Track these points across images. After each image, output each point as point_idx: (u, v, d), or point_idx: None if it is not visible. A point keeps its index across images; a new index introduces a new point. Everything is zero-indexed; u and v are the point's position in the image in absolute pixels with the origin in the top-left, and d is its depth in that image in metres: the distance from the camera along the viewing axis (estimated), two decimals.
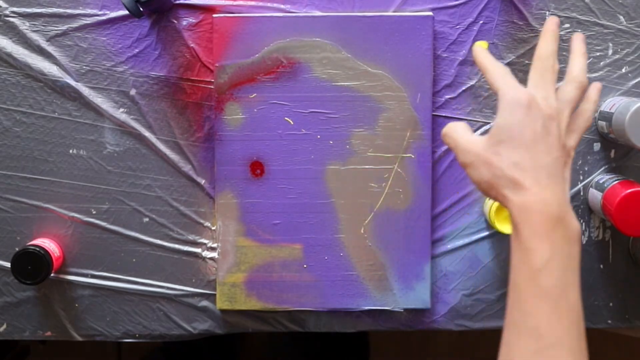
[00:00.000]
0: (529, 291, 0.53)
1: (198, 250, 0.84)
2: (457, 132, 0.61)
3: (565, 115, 0.59)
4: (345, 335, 0.90)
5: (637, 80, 0.82)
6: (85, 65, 0.82)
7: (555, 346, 0.52)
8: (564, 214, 0.55)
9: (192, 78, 0.82)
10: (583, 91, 0.61)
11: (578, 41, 0.65)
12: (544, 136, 0.56)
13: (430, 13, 0.81)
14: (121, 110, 0.83)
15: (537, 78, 0.60)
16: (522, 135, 0.56)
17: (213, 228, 0.84)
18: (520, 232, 0.54)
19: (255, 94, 0.81)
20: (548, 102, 0.58)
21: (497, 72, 0.60)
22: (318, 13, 0.81)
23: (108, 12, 0.82)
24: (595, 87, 0.64)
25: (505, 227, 0.80)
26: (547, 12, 0.82)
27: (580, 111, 0.62)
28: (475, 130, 0.83)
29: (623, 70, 0.82)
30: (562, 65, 0.83)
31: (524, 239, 0.54)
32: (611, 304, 0.85)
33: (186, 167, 0.83)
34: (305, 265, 0.83)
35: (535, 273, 0.53)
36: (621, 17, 0.82)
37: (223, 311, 0.85)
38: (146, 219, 0.84)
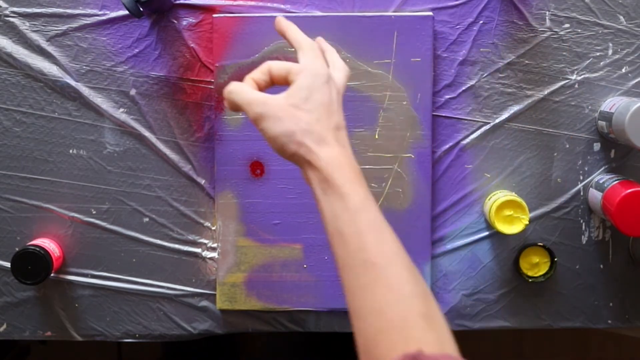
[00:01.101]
0: (353, 231, 0.57)
1: (198, 250, 0.84)
2: (245, 90, 0.61)
3: None
4: (342, 334, 0.90)
5: (637, 80, 0.82)
6: (85, 65, 0.82)
7: (389, 266, 0.56)
8: (360, 170, 0.60)
9: (192, 78, 0.82)
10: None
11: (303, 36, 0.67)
12: (337, 105, 0.61)
13: (430, 13, 0.81)
14: (121, 110, 0.83)
15: (317, 56, 0.63)
16: (322, 99, 0.60)
17: (213, 228, 0.84)
18: (334, 181, 0.58)
19: None
20: (339, 76, 0.64)
21: (305, 42, 0.64)
22: (318, 13, 0.81)
23: (108, 12, 0.82)
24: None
25: (505, 227, 0.80)
26: (547, 12, 0.82)
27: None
28: (475, 131, 0.83)
29: (623, 70, 0.82)
30: (562, 64, 0.83)
31: (338, 186, 0.58)
32: (611, 304, 0.85)
33: (186, 167, 0.83)
34: (305, 265, 0.83)
35: (356, 212, 0.57)
36: (621, 17, 0.82)
37: (223, 311, 0.85)
38: (146, 219, 0.84)
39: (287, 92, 0.60)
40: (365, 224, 0.57)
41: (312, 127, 0.59)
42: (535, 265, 0.83)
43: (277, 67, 0.62)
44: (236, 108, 0.62)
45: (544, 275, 0.83)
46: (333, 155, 0.59)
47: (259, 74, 0.63)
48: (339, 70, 0.66)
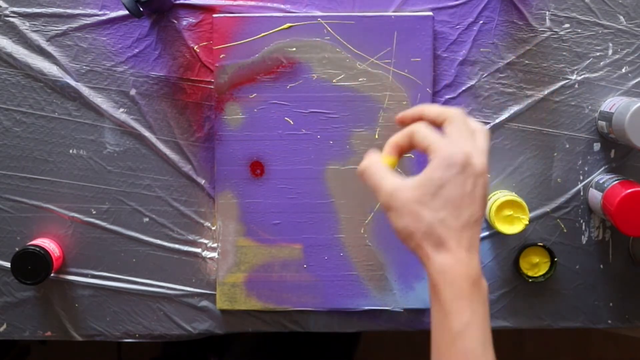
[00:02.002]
0: (450, 354, 0.53)
1: (198, 250, 0.84)
2: (378, 173, 0.58)
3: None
4: (342, 334, 0.90)
5: (637, 80, 0.82)
6: (85, 65, 0.82)
7: None
8: (479, 275, 0.55)
9: (192, 78, 0.82)
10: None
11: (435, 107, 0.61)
12: (472, 196, 0.55)
13: (430, 13, 0.81)
14: (121, 110, 0.83)
15: (462, 135, 0.57)
16: (453, 193, 0.55)
17: (213, 228, 0.84)
18: (441, 294, 0.54)
19: (255, 94, 0.81)
20: (481, 160, 0.56)
21: (423, 131, 0.58)
22: (318, 13, 0.81)
23: (108, 12, 0.82)
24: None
25: (505, 227, 0.80)
26: (547, 12, 0.82)
27: None
28: None
29: (623, 70, 0.82)
30: (562, 64, 0.83)
31: (444, 301, 0.54)
32: (611, 304, 0.85)
33: (186, 167, 0.83)
34: (305, 265, 0.83)
35: (456, 336, 0.53)
36: (621, 17, 0.82)
37: (223, 311, 0.85)
38: (146, 219, 0.84)
39: (418, 181, 0.56)
40: (461, 353, 0.53)
41: (434, 229, 0.54)
42: (535, 265, 0.83)
43: (419, 137, 0.57)
44: (367, 184, 0.59)
45: (544, 275, 0.83)
46: (448, 265, 0.54)
47: (401, 137, 0.59)
48: (479, 138, 0.58)
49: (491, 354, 0.54)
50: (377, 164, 0.59)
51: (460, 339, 0.53)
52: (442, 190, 0.54)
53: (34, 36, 0.82)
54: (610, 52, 0.82)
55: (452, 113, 0.58)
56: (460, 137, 0.56)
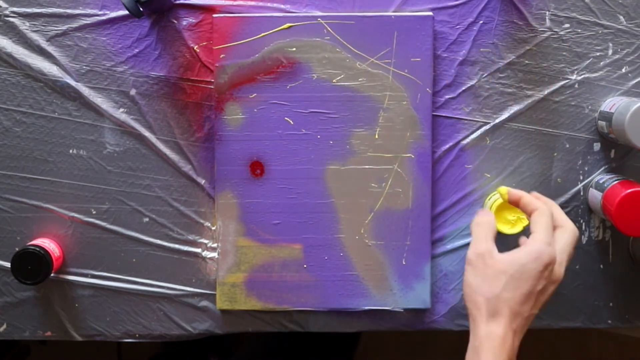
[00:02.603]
0: None
1: (198, 250, 0.84)
2: (485, 232, 0.67)
3: (564, 263, 0.68)
4: (342, 334, 0.90)
5: (637, 80, 0.82)
6: (85, 65, 0.82)
7: None
8: (515, 353, 0.64)
9: (192, 78, 0.82)
10: (576, 237, 0.70)
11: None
12: (539, 295, 0.64)
13: (430, 13, 0.81)
14: (121, 110, 0.83)
15: (563, 245, 0.67)
16: (526, 284, 0.63)
17: (213, 228, 0.84)
18: (481, 356, 0.63)
19: (255, 94, 0.81)
20: (560, 270, 0.66)
21: (543, 219, 0.67)
22: (318, 13, 0.81)
23: (108, 12, 0.82)
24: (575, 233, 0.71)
25: (505, 227, 0.80)
26: (547, 12, 0.82)
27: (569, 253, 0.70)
28: (475, 131, 0.83)
29: (623, 70, 0.82)
30: (562, 64, 0.83)
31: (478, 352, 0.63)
32: (611, 304, 0.85)
33: (186, 167, 0.83)
34: (305, 265, 0.83)
35: None
36: (621, 17, 0.82)
37: (223, 311, 0.85)
38: (146, 219, 0.84)
39: (507, 257, 0.65)
40: None
41: (497, 301, 0.63)
42: None
43: (524, 205, 0.70)
44: (472, 234, 0.69)
45: None
46: (497, 333, 0.62)
47: (524, 202, 0.71)
48: (566, 238, 0.68)
49: None
50: (490, 225, 0.68)
51: None
52: (520, 277, 0.63)
53: (34, 36, 0.82)
54: (610, 52, 0.82)
55: (541, 209, 0.68)
56: (548, 236, 0.66)
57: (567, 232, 0.68)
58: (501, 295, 0.63)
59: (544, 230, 0.66)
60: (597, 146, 0.83)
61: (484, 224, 0.68)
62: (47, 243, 0.82)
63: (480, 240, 0.67)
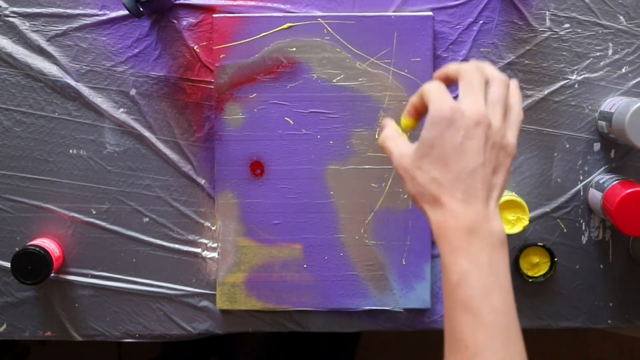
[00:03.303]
0: (451, 306, 0.54)
1: (198, 250, 0.84)
2: (391, 142, 0.60)
3: (498, 114, 0.57)
4: (342, 334, 0.90)
5: (637, 80, 0.82)
6: (85, 65, 0.82)
7: (478, 354, 0.52)
8: (479, 224, 0.54)
9: (192, 78, 0.82)
10: (507, 87, 0.59)
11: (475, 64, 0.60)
12: (464, 146, 0.55)
13: (430, 13, 0.81)
14: (121, 110, 0.83)
15: (465, 87, 0.57)
16: (443, 149, 0.55)
17: (213, 228, 0.84)
18: (440, 250, 0.55)
19: (255, 94, 0.81)
20: (475, 107, 0.55)
21: (428, 87, 0.58)
22: (318, 13, 0.81)
23: (108, 12, 0.82)
24: (514, 82, 0.61)
25: (505, 227, 0.80)
26: (547, 12, 0.82)
27: (509, 106, 0.59)
28: None
29: (623, 70, 0.82)
30: (562, 64, 0.83)
31: (442, 256, 0.55)
32: (611, 304, 0.85)
33: (186, 167, 0.83)
34: (305, 265, 0.83)
35: (454, 288, 0.53)
36: (621, 17, 0.82)
37: (223, 311, 0.85)
38: (146, 219, 0.84)
39: (416, 144, 0.57)
40: (462, 301, 0.53)
41: (427, 189, 0.55)
42: (535, 265, 0.83)
43: (424, 95, 0.58)
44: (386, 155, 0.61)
45: (544, 275, 0.83)
46: (441, 220, 0.55)
47: (415, 97, 0.60)
48: (492, 82, 0.57)
49: (500, 300, 0.53)
50: (391, 133, 0.60)
51: (459, 289, 0.53)
52: (432, 150, 0.55)
53: (34, 36, 0.82)
54: (610, 52, 0.82)
55: (463, 68, 0.58)
56: (462, 91, 0.56)
57: (461, 76, 0.58)
58: (427, 180, 0.56)
59: (431, 98, 0.57)
60: (597, 146, 0.83)
61: (386, 135, 0.61)
62: (47, 243, 0.82)
63: (392, 151, 0.59)
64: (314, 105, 0.81)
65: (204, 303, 0.85)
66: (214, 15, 0.81)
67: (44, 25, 0.82)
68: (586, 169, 0.83)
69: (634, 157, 0.83)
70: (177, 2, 0.81)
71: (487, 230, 0.55)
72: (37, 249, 0.79)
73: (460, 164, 0.55)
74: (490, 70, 0.58)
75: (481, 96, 0.57)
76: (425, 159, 0.56)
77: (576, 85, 0.82)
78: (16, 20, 0.82)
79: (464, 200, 0.54)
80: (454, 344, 0.54)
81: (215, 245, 0.84)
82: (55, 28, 0.82)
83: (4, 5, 0.82)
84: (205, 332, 0.86)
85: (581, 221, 0.84)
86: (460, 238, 0.54)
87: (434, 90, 0.57)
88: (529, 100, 0.82)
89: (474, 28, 0.82)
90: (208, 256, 0.84)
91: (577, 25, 0.82)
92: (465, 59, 0.82)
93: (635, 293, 0.85)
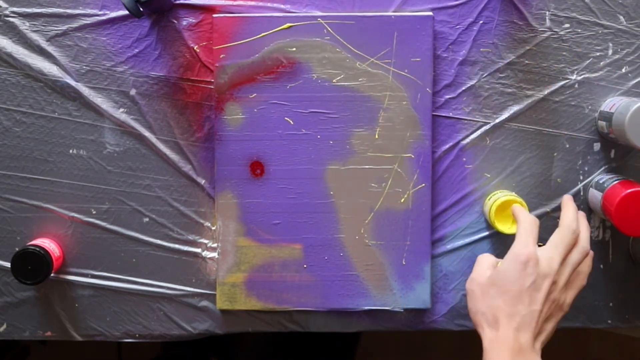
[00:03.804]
0: None
1: (198, 250, 0.84)
2: (479, 265, 0.72)
3: (565, 276, 0.70)
4: (342, 334, 0.90)
5: (637, 80, 0.82)
6: (85, 65, 0.82)
7: None
8: (526, 349, 0.66)
9: (192, 78, 0.82)
10: (585, 255, 0.72)
11: (576, 212, 0.75)
12: (530, 291, 0.67)
13: (430, 13, 0.81)
14: (121, 110, 0.83)
15: (555, 240, 0.70)
16: (512, 286, 0.67)
17: (213, 228, 0.84)
18: (487, 357, 0.67)
19: (255, 94, 0.81)
20: (550, 263, 0.68)
21: (522, 226, 0.72)
22: (318, 13, 0.81)
23: (108, 12, 0.82)
24: (590, 256, 0.74)
25: (505, 227, 0.80)
26: (547, 12, 0.82)
27: (578, 272, 0.72)
28: (475, 131, 0.83)
29: (623, 70, 0.82)
30: (562, 64, 0.83)
31: None
32: (611, 304, 0.85)
33: (186, 167, 0.83)
34: (305, 265, 0.83)
35: None
36: (621, 17, 0.82)
37: (223, 311, 0.85)
38: (146, 219, 0.84)
39: (491, 275, 0.70)
40: None
41: (490, 310, 0.68)
42: None
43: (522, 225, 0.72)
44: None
45: None
46: (495, 337, 0.66)
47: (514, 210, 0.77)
48: (577, 250, 0.71)
49: None
50: (484, 258, 0.74)
51: None
52: (504, 282, 0.68)
53: (34, 36, 0.82)
54: (610, 52, 0.82)
55: (569, 220, 0.72)
56: (551, 243, 0.70)
57: (560, 228, 0.72)
58: (492, 305, 0.68)
59: (519, 236, 0.71)
60: (597, 146, 0.83)
61: (484, 259, 0.73)
62: (47, 243, 0.82)
63: (474, 273, 0.72)
64: (314, 105, 0.81)
65: (204, 303, 0.85)
66: (214, 15, 0.81)
67: (44, 25, 0.82)
68: (586, 169, 0.83)
69: (634, 157, 0.83)
70: (177, 2, 0.81)
71: (531, 356, 0.66)
72: (37, 249, 0.79)
73: (525, 302, 0.67)
74: (583, 235, 0.72)
75: (560, 255, 0.69)
76: (495, 287, 0.68)
77: (576, 85, 0.82)
78: (16, 20, 0.82)
79: (517, 329, 0.66)
80: None
81: (215, 245, 0.84)
82: (55, 28, 0.82)
83: (4, 5, 0.82)
84: (205, 332, 0.86)
85: None
86: (508, 356, 0.65)
87: (524, 227, 0.71)
88: (529, 100, 0.83)
89: (474, 28, 0.82)
90: (208, 256, 0.84)
91: (577, 25, 0.82)
92: (465, 59, 0.82)
93: (635, 293, 0.85)
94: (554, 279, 0.68)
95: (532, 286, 0.67)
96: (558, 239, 0.71)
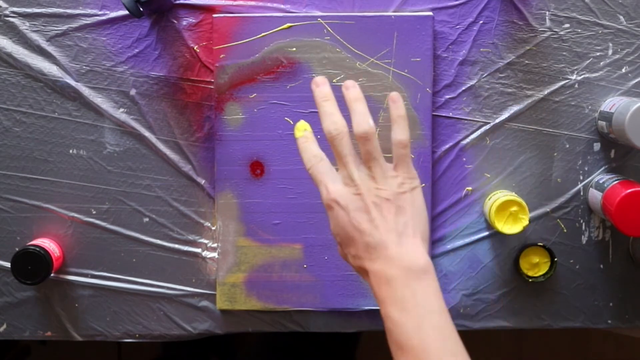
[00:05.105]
0: (393, 349, 0.63)
1: (198, 250, 0.84)
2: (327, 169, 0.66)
3: (376, 152, 0.64)
4: (342, 334, 0.90)
5: (637, 80, 0.82)
6: (85, 65, 0.82)
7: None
8: (392, 273, 0.59)
9: (192, 78, 0.82)
10: (367, 138, 0.65)
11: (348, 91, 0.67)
12: (357, 225, 0.61)
13: (430, 13, 0.81)
14: (121, 110, 0.83)
15: (340, 164, 0.65)
16: (345, 233, 0.61)
17: (213, 228, 0.84)
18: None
19: (255, 94, 0.81)
20: (334, 190, 0.63)
21: (316, 169, 0.65)
22: (318, 13, 0.81)
23: (108, 12, 0.82)
24: (397, 104, 0.66)
25: (505, 227, 0.80)
26: (547, 12, 0.82)
27: (372, 160, 0.65)
28: (475, 131, 0.83)
29: (623, 70, 0.82)
30: (562, 64, 0.83)
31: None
32: (611, 304, 0.85)
33: (186, 167, 0.83)
34: (305, 265, 0.83)
35: (389, 335, 0.62)
36: (621, 17, 0.82)
37: (223, 311, 0.85)
38: (146, 219, 0.84)
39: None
40: (396, 344, 0.61)
41: (354, 265, 0.63)
42: (535, 265, 0.83)
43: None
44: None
45: (544, 275, 0.83)
46: (370, 282, 0.63)
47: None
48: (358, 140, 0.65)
49: (432, 324, 0.59)
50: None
51: (393, 335, 0.63)
52: (338, 235, 0.63)
53: (34, 36, 0.82)
54: (610, 52, 0.82)
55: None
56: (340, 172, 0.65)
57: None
58: (352, 262, 0.64)
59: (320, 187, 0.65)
60: (597, 146, 0.83)
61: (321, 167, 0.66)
62: (47, 243, 0.82)
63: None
64: (314, 105, 0.81)
65: (204, 303, 0.85)
66: (214, 15, 0.81)
67: (44, 25, 0.82)
68: (586, 169, 0.83)
69: (634, 157, 0.83)
70: (177, 2, 0.81)
71: (402, 272, 0.59)
72: (37, 249, 0.79)
73: (355, 235, 0.61)
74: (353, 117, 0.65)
75: (352, 167, 0.64)
76: (341, 246, 0.63)
77: (576, 85, 0.82)
78: (16, 20, 0.82)
79: (370, 259, 0.60)
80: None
81: (215, 245, 0.84)
82: (55, 28, 0.82)
83: (4, 5, 0.82)
84: (205, 332, 0.86)
85: (581, 221, 0.84)
86: (384, 289, 0.60)
87: (322, 171, 0.66)
88: (529, 100, 0.83)
89: (474, 28, 0.82)
90: (208, 256, 0.84)
91: (577, 25, 0.82)
92: (465, 59, 0.82)
93: (635, 293, 0.85)
94: (346, 201, 0.62)
95: (355, 220, 0.61)
96: (339, 161, 0.65)
